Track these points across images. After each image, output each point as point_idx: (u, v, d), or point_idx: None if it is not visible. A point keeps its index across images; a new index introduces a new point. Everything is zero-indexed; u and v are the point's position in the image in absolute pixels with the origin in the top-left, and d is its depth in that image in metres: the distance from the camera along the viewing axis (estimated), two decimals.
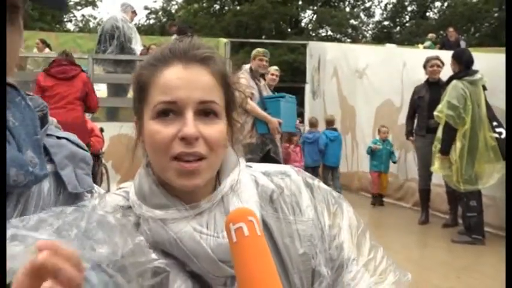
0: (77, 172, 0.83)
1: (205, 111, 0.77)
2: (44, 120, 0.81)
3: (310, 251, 0.86)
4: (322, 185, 0.94)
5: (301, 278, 0.84)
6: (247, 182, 0.85)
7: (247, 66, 4.91)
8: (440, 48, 10.14)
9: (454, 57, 4.95)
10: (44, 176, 0.76)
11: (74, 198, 0.82)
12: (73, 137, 0.87)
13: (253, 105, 4.57)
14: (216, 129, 0.77)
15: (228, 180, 0.82)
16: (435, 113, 4.86)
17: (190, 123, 0.75)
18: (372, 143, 7.24)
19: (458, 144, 4.68)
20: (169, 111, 0.76)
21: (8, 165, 0.69)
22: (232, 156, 0.86)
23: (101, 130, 5.69)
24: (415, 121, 5.76)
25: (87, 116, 5.60)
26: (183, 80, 0.77)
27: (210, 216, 0.79)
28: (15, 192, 0.73)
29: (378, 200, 7.23)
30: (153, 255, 0.75)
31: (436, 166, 4.96)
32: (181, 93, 0.76)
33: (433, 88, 5.49)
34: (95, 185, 0.87)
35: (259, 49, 5.10)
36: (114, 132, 5.83)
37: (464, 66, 4.81)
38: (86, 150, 0.88)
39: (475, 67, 4.84)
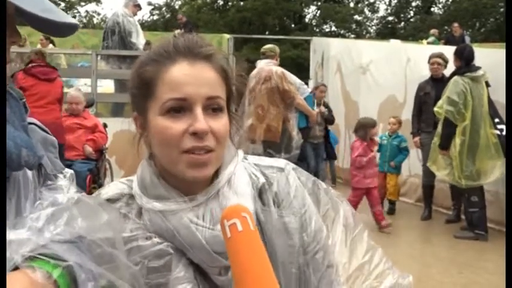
0: (49, 156, 0.87)
1: (211, 107, 0.79)
2: (25, 108, 0.84)
3: (297, 244, 0.87)
4: (318, 181, 0.94)
5: (288, 270, 0.85)
6: (241, 175, 0.86)
7: (263, 62, 4.71)
8: (445, 44, 10.09)
9: (456, 53, 4.94)
10: (41, 158, 0.79)
11: (49, 181, 0.85)
12: (38, 122, 0.90)
13: (302, 99, 4.66)
14: (222, 123, 0.80)
15: (225, 173, 0.84)
16: (435, 108, 4.86)
17: (201, 119, 0.77)
18: (379, 139, 6.40)
19: (457, 140, 4.67)
20: (180, 107, 0.78)
21: (19, 146, 0.72)
22: (231, 148, 0.87)
23: (105, 126, 5.70)
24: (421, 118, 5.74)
25: (91, 111, 5.61)
26: (190, 77, 0.78)
27: (206, 209, 0.81)
28: (11, 177, 0.75)
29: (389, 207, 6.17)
30: (157, 239, 0.78)
31: (435, 167, 4.96)
32: (190, 89, 0.78)
33: (437, 84, 5.46)
34: (62, 165, 0.90)
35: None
36: (117, 128, 5.86)
37: (464, 62, 4.79)
38: (51, 135, 0.91)
39: (480, 63, 4.81)
